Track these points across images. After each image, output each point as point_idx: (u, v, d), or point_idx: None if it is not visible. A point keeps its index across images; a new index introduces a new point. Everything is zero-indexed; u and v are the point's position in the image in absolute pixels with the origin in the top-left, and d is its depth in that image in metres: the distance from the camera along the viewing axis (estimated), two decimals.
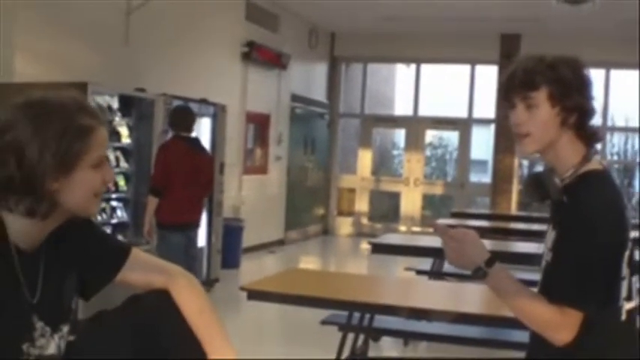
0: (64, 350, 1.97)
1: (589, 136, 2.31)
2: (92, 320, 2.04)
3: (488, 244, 7.45)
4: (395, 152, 18.58)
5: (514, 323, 3.92)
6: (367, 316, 5.06)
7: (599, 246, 2.16)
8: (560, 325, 2.18)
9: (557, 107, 2.25)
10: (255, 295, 4.41)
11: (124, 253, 2.08)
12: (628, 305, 2.29)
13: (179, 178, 6.73)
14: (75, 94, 1.92)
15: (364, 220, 16.12)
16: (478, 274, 2.26)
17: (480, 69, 15.32)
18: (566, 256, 2.21)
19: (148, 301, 2.02)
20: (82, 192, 1.86)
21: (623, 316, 2.28)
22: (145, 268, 2.09)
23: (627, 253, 2.25)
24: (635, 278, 2.32)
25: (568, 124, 2.27)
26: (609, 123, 15.00)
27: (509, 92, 2.32)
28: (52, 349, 1.92)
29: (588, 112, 2.29)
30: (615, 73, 14.49)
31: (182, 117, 7.11)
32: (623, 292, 2.26)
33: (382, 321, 5.52)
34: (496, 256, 2.28)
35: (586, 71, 2.31)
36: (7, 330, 1.80)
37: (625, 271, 2.25)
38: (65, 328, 1.97)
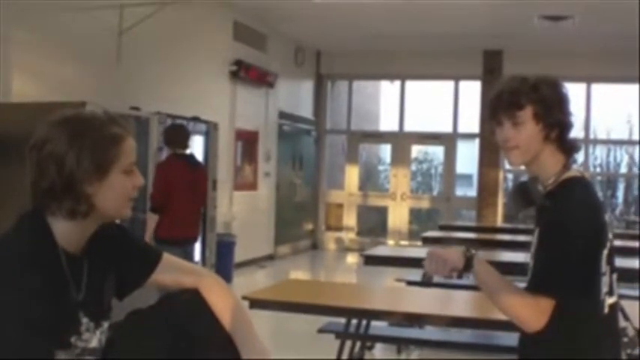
0: (105, 344, 2.14)
1: (568, 148, 2.54)
2: (128, 317, 2.23)
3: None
4: (381, 167, 18.77)
5: (504, 326, 4.16)
6: (364, 323, 5.25)
7: (574, 242, 2.36)
8: (531, 309, 2.36)
9: (540, 124, 2.48)
10: (257, 303, 4.57)
11: (157, 257, 2.29)
12: (610, 300, 2.50)
13: (177, 195, 6.88)
14: (104, 109, 2.14)
15: (352, 235, 16.30)
16: (467, 267, 2.49)
17: (464, 84, 15.57)
18: (543, 252, 2.42)
19: (181, 299, 2.20)
20: (116, 195, 2.07)
21: (606, 310, 2.49)
22: (175, 270, 2.29)
23: (606, 252, 2.46)
24: (615, 276, 2.54)
25: (550, 138, 2.50)
26: (591, 136, 15.27)
27: (496, 111, 2.54)
28: (94, 343, 2.10)
29: (567, 126, 2.53)
30: (596, 87, 14.77)
31: (177, 134, 7.24)
32: (605, 288, 2.48)
33: (377, 328, 5.71)
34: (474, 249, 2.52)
35: (564, 89, 2.55)
36: (59, 323, 1.98)
37: (605, 267, 2.46)
38: (105, 324, 2.15)
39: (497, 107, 2.53)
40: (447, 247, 2.59)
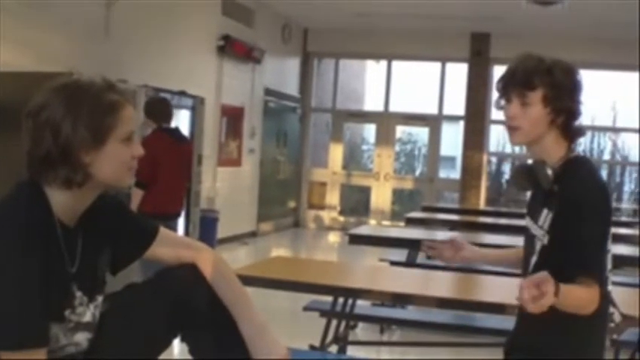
0: (98, 319, 2.12)
1: (572, 135, 2.55)
2: (123, 292, 2.20)
3: (458, 236, 7.64)
4: (365, 147, 18.74)
5: (486, 308, 4.19)
6: (349, 302, 5.24)
7: (593, 220, 2.39)
8: (593, 299, 2.34)
9: (548, 108, 2.49)
10: (242, 280, 4.51)
11: (154, 231, 2.25)
12: (614, 277, 2.53)
13: (163, 170, 6.76)
14: (103, 76, 2.07)
15: (335, 214, 16.29)
16: None
17: (451, 66, 15.54)
18: (569, 236, 2.40)
19: (179, 274, 2.18)
20: (113, 164, 2.01)
21: (610, 287, 2.51)
22: (172, 244, 2.26)
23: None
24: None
25: (556, 123, 2.51)
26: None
27: (507, 88, 2.55)
28: (88, 317, 2.07)
29: (575, 114, 2.55)
30: (583, 74, 14.73)
31: (160, 107, 7.06)
32: (609, 264, 2.50)
33: (360, 308, 5.71)
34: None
35: (578, 76, 2.57)
36: (53, 296, 1.94)
37: (610, 244, 2.48)
38: (99, 299, 2.12)
39: (509, 84, 2.54)
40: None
